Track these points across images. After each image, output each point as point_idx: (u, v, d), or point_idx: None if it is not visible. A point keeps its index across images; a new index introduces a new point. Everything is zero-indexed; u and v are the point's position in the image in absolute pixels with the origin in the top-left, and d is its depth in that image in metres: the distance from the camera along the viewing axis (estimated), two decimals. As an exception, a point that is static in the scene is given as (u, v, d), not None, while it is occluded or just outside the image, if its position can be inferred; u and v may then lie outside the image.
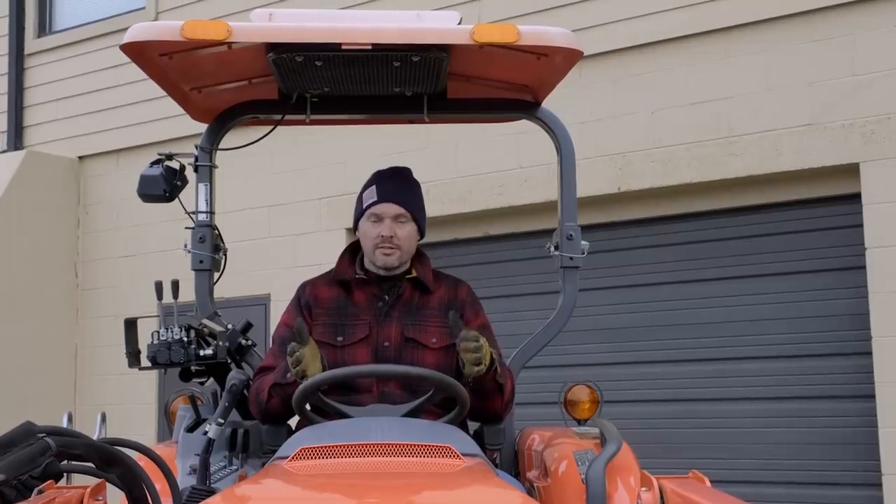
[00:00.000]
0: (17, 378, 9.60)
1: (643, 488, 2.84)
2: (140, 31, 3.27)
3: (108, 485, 2.76)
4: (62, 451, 2.50)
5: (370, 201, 3.58)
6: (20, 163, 10.17)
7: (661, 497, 2.79)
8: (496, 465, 3.55)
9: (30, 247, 10.04)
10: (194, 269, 3.84)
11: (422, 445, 2.77)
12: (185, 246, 3.85)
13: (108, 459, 2.60)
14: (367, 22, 3.48)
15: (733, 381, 7.22)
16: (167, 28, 3.25)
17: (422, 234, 3.68)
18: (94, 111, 10.35)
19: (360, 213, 3.63)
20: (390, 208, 3.56)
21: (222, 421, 3.20)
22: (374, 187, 3.61)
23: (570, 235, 3.78)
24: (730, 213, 7.35)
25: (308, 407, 3.31)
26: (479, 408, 3.44)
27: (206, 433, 3.20)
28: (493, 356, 3.33)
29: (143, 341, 3.61)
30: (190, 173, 3.87)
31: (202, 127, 3.98)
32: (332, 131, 8.11)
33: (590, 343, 7.60)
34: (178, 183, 3.82)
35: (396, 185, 3.64)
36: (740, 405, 7.19)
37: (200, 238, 3.83)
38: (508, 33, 3.21)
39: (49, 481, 2.55)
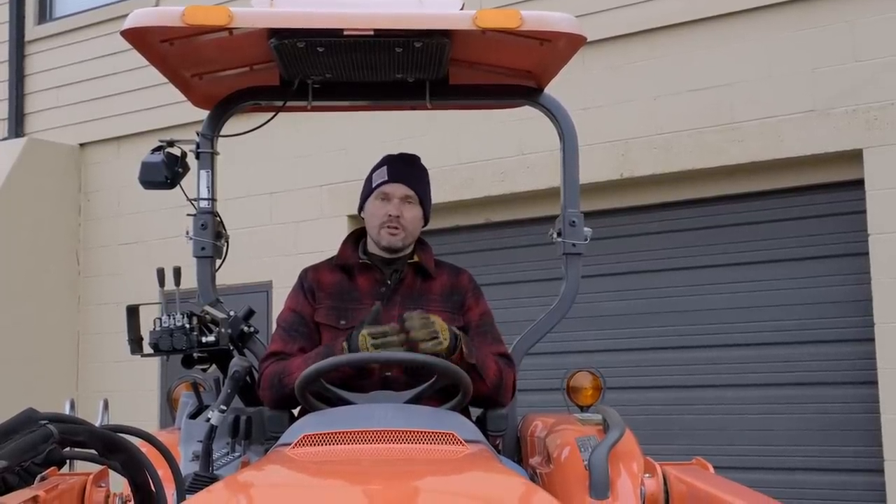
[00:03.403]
0: (19, 365, 9.61)
1: (646, 474, 2.84)
2: (141, 16, 3.25)
3: (110, 472, 2.75)
4: (64, 437, 2.50)
5: (380, 181, 3.60)
6: (21, 150, 10.16)
7: (665, 483, 2.78)
8: (499, 452, 3.54)
9: (31, 234, 10.05)
10: (196, 256, 3.82)
11: (424, 432, 2.76)
12: (187, 233, 3.83)
13: (111, 446, 2.60)
14: (369, 7, 3.45)
15: (736, 367, 7.23)
16: (168, 14, 3.23)
17: (426, 220, 3.69)
18: (94, 98, 10.35)
19: (368, 192, 3.64)
20: (399, 189, 3.58)
21: (225, 408, 3.20)
22: (384, 168, 3.64)
23: (573, 222, 3.77)
24: (732, 199, 7.35)
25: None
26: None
27: (208, 420, 3.19)
28: (455, 334, 3.33)
29: (145, 328, 3.60)
30: (191, 160, 3.85)
31: (203, 114, 3.97)
32: (334, 118, 8.11)
33: (592, 329, 7.60)
34: (180, 170, 3.80)
35: (407, 168, 3.67)
36: (743, 391, 7.19)
37: (202, 225, 3.82)
38: (511, 18, 3.19)
39: (51, 468, 2.55)
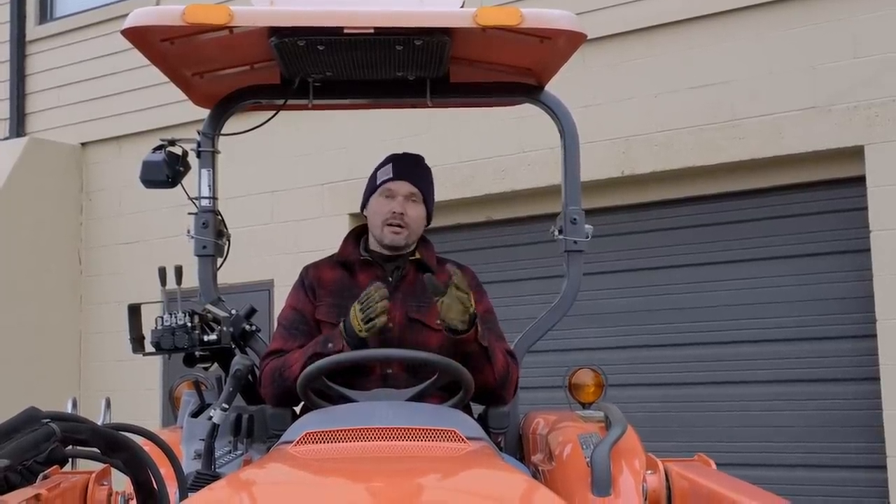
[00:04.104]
0: (22, 365, 9.61)
1: (648, 471, 2.83)
2: (141, 15, 3.26)
3: (113, 470, 2.76)
4: (67, 436, 2.50)
5: (385, 178, 3.60)
6: (22, 150, 10.16)
7: (667, 480, 2.78)
8: (501, 449, 3.54)
9: (33, 234, 10.05)
10: (197, 255, 3.83)
11: (426, 429, 2.77)
12: (188, 232, 3.84)
13: (113, 445, 2.60)
14: (369, 5, 3.45)
15: (738, 364, 7.23)
16: (168, 13, 3.24)
17: (429, 219, 3.69)
18: (95, 98, 10.35)
19: (372, 189, 3.64)
20: (404, 186, 3.58)
21: (227, 406, 3.21)
22: (389, 165, 3.63)
23: (574, 219, 3.77)
24: (733, 196, 7.34)
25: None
26: (475, 383, 3.42)
27: (210, 418, 3.20)
28: (474, 313, 3.31)
29: (147, 327, 3.61)
30: (192, 159, 3.86)
31: (204, 112, 3.97)
32: (335, 117, 8.12)
33: (594, 327, 7.60)
34: (181, 168, 3.80)
35: (412, 167, 3.67)
36: (745, 388, 7.19)
37: (203, 223, 3.82)
38: (511, 16, 3.20)
39: (54, 467, 2.55)
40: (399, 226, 3.55)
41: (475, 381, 3.36)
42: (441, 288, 3.24)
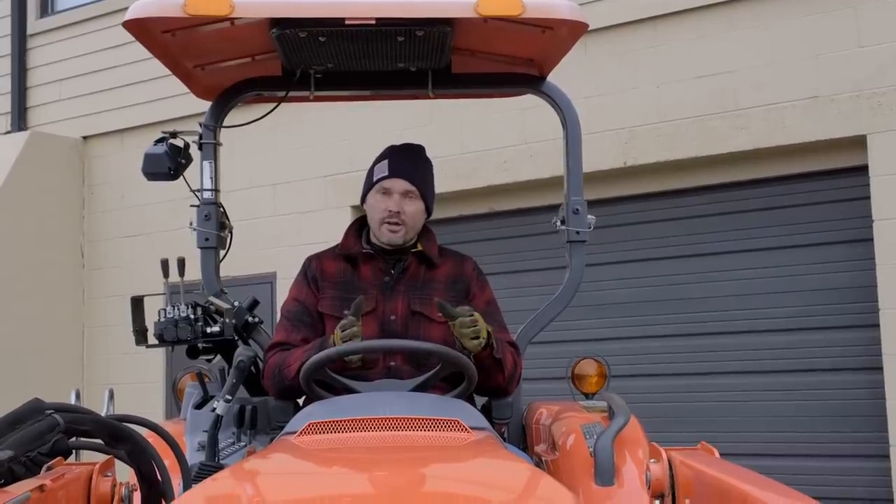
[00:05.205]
0: (25, 358, 9.63)
1: (652, 460, 2.84)
2: (142, 7, 3.26)
3: (116, 461, 2.76)
4: (70, 427, 2.51)
5: (381, 175, 3.59)
6: (24, 144, 10.17)
7: (671, 468, 2.79)
8: (504, 439, 3.55)
9: (35, 228, 10.05)
10: (200, 247, 3.83)
11: (430, 419, 2.77)
12: (191, 224, 3.84)
13: (117, 436, 2.61)
14: (370, -4, 3.45)
15: (740, 354, 7.23)
16: (169, 4, 3.23)
17: (429, 212, 3.68)
18: (97, 91, 10.35)
19: (369, 185, 3.63)
20: (400, 184, 3.56)
21: (230, 397, 3.21)
22: (385, 161, 3.62)
23: (577, 210, 3.77)
24: (736, 186, 7.33)
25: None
26: (482, 384, 3.43)
27: (214, 410, 3.20)
28: (488, 331, 3.33)
29: (150, 319, 3.61)
30: (194, 151, 3.85)
31: (206, 105, 3.96)
32: (337, 108, 8.10)
33: (597, 318, 7.60)
34: (183, 161, 3.80)
35: (408, 162, 3.64)
36: (748, 378, 7.19)
37: (206, 216, 3.82)
38: (513, 6, 3.19)
39: (58, 458, 2.55)
40: (396, 223, 3.55)
41: (484, 383, 3.39)
42: (452, 312, 3.26)
